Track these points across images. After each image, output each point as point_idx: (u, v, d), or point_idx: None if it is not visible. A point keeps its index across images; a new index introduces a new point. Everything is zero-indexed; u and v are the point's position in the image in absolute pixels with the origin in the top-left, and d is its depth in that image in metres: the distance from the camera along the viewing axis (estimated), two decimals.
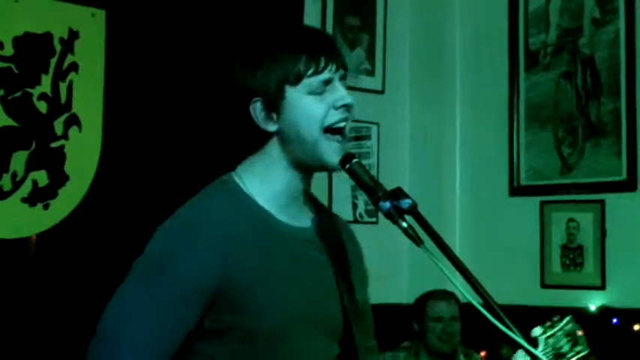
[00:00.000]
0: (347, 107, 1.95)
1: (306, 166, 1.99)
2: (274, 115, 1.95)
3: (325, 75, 1.95)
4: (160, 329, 1.86)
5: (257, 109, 1.96)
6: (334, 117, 1.95)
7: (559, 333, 1.86)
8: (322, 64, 1.95)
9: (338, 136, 1.95)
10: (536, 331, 1.85)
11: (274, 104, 1.95)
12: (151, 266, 1.91)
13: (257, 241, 1.93)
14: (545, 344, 1.83)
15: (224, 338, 1.90)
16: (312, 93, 1.95)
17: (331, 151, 1.95)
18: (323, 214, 2.12)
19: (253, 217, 1.96)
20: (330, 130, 1.94)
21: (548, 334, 1.84)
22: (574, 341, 1.88)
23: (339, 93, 1.96)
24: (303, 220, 2.04)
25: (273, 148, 1.99)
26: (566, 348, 1.86)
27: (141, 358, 1.85)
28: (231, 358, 1.91)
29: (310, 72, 1.94)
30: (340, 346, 2.03)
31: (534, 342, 1.83)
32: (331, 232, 2.10)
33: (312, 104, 1.94)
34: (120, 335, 1.86)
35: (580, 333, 1.90)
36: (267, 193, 1.98)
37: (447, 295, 4.32)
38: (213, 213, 1.93)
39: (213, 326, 1.90)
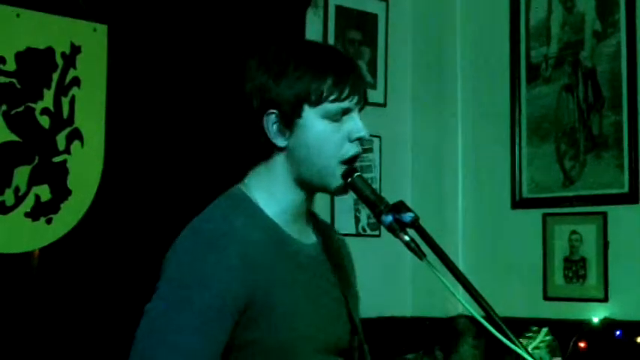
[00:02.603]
0: (361, 141, 1.95)
1: (309, 186, 1.97)
2: (287, 132, 1.92)
3: (346, 104, 1.94)
4: (200, 347, 1.79)
5: (271, 121, 1.92)
6: (349, 150, 1.94)
7: (542, 344, 1.90)
8: (346, 93, 1.93)
9: (347, 166, 1.94)
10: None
11: (289, 120, 1.92)
12: (183, 284, 1.82)
13: (275, 255, 1.91)
14: None
15: (241, 353, 1.86)
16: (328, 118, 1.92)
17: (339, 177, 1.94)
18: (325, 231, 2.11)
19: (269, 231, 1.93)
20: (345, 162, 1.94)
21: (533, 345, 1.89)
22: (552, 353, 1.95)
23: (356, 125, 1.95)
24: (309, 237, 2.03)
25: (279, 163, 1.96)
26: (546, 359, 1.93)
27: None
28: None
29: (332, 97, 1.92)
30: None
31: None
32: (333, 250, 2.09)
33: (327, 131, 1.93)
34: (158, 356, 1.78)
35: (555, 344, 1.97)
36: (275, 207, 1.96)
37: (479, 342, 4.27)
38: (235, 228, 1.88)
39: (235, 342, 1.85)
